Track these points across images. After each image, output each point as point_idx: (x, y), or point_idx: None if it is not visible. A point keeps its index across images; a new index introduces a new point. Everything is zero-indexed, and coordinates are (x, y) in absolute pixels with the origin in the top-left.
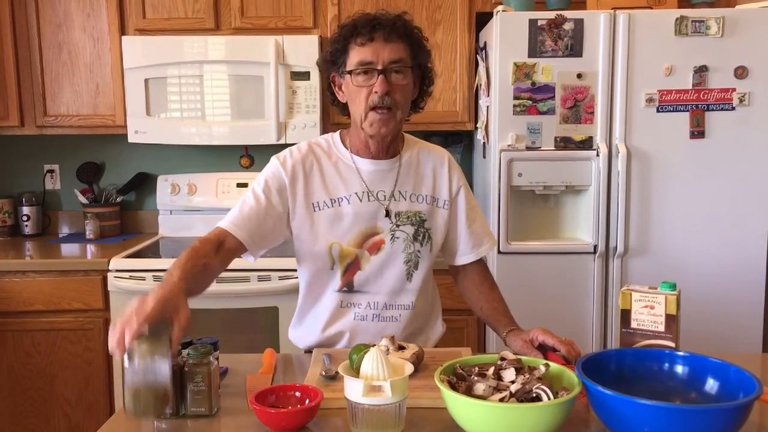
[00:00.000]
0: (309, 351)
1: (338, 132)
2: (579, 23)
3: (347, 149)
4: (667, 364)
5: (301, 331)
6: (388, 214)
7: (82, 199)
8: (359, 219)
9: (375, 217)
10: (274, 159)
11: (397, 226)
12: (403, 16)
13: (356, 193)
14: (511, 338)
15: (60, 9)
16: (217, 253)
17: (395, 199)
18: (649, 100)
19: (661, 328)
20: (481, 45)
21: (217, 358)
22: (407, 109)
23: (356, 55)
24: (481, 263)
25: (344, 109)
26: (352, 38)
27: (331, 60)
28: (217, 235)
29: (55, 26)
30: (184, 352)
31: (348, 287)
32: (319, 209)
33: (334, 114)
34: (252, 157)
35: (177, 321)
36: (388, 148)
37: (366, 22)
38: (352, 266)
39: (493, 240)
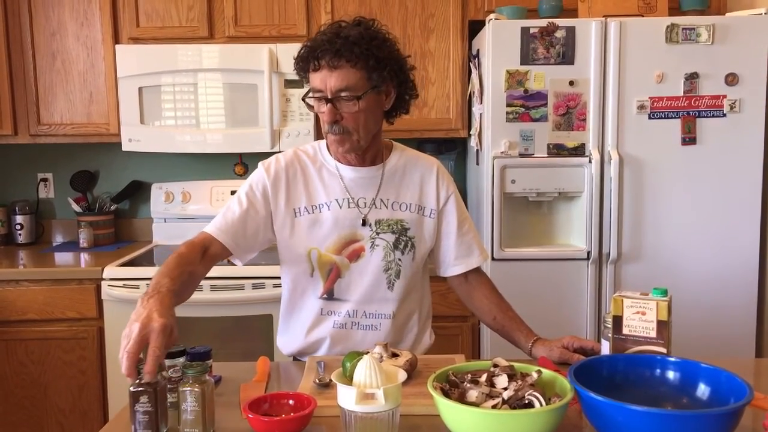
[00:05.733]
0: (296, 359)
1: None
2: (570, 31)
3: (332, 156)
4: (658, 370)
5: (286, 337)
6: (365, 223)
7: (76, 208)
8: (338, 225)
9: (355, 224)
10: (259, 165)
11: (377, 233)
12: (352, 34)
13: (336, 200)
14: (540, 348)
15: (54, 18)
16: (202, 258)
17: (376, 207)
18: (641, 107)
19: (653, 334)
20: (474, 53)
21: (210, 367)
22: (370, 128)
23: (312, 80)
24: (484, 273)
25: None
26: (309, 61)
27: (300, 79)
28: (202, 240)
29: (49, 35)
30: (179, 360)
31: (329, 295)
32: (300, 215)
33: None
34: (246, 164)
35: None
36: (364, 157)
37: (316, 46)
38: (332, 273)
39: (485, 253)
